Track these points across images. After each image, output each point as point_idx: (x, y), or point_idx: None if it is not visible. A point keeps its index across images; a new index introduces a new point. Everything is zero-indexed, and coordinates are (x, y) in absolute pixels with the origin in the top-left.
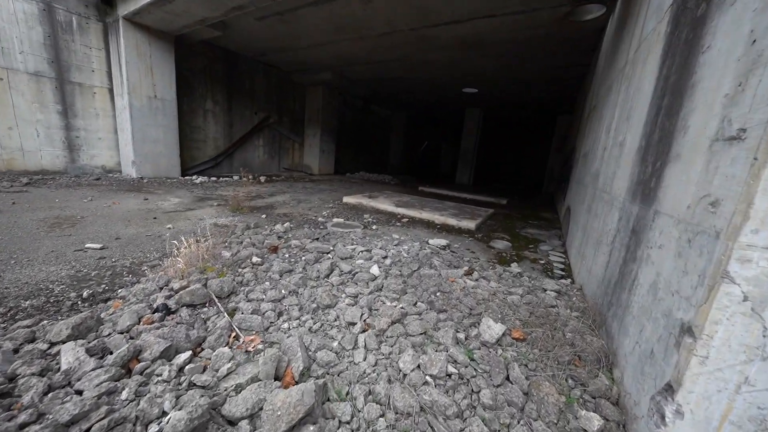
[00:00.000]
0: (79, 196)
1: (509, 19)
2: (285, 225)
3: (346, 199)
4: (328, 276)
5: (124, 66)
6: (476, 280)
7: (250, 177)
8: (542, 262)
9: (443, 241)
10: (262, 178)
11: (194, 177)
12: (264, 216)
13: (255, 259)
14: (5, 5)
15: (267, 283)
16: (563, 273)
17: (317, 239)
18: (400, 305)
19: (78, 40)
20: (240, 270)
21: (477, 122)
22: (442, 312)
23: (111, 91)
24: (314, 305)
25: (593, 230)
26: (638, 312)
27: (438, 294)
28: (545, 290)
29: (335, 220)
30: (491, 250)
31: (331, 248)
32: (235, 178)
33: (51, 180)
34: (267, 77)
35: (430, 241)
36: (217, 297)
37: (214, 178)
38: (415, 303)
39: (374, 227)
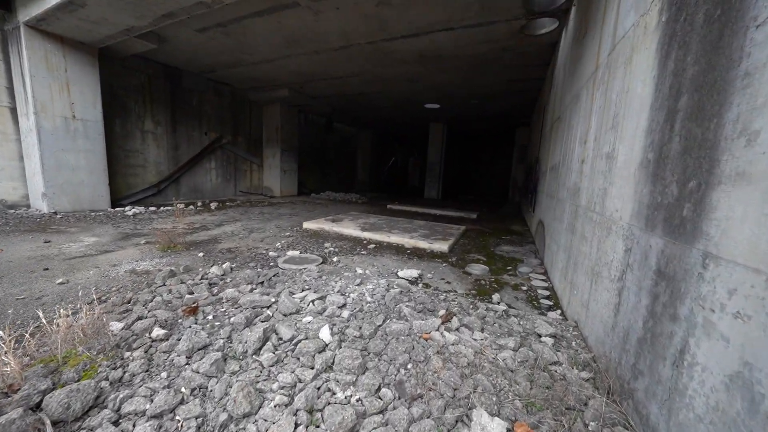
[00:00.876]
0: None
1: (467, 33)
2: (224, 266)
3: (306, 225)
4: (259, 350)
5: (28, 81)
6: (457, 330)
7: (199, 204)
8: (524, 288)
9: (415, 272)
10: (213, 205)
11: (127, 208)
12: (201, 254)
13: (156, 332)
14: None
15: (164, 374)
16: (550, 303)
17: (261, 284)
18: (357, 395)
19: None
20: (127, 355)
21: (441, 136)
22: (416, 400)
23: (14, 110)
24: (224, 416)
25: (582, 255)
26: (704, 409)
27: (410, 366)
28: (540, 336)
29: (290, 253)
30: (468, 278)
31: (273, 300)
32: (180, 206)
33: None
34: (218, 95)
35: (400, 273)
36: (56, 422)
37: (153, 208)
38: (378, 388)
39: (335, 259)
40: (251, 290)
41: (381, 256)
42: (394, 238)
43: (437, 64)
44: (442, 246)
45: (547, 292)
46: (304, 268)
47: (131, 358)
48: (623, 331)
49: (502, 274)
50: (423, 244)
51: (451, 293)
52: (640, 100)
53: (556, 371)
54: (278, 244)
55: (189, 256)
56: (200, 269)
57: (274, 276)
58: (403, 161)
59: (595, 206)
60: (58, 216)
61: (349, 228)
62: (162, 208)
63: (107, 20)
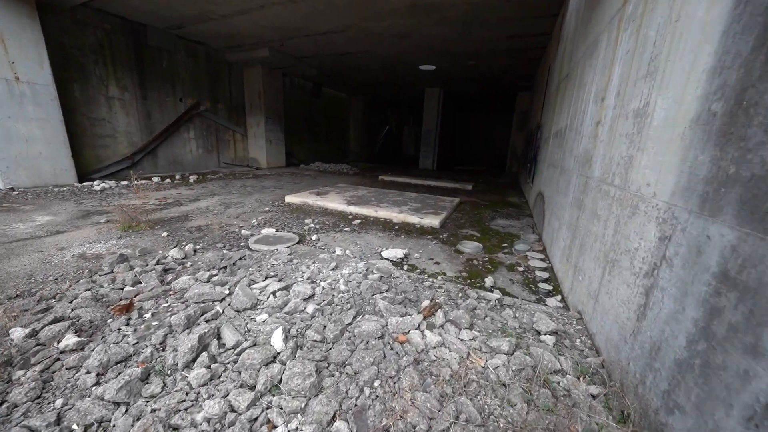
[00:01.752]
0: None
1: None
2: (186, 248)
3: (289, 199)
4: (192, 362)
5: None
6: (441, 327)
7: (177, 177)
8: (521, 269)
9: (400, 252)
10: (192, 178)
11: (96, 183)
12: (166, 234)
13: (67, 340)
14: None
15: (59, 401)
16: (550, 288)
17: (223, 269)
18: (304, 429)
19: None
20: (17, 376)
21: (437, 102)
22: None
23: None
24: None
25: (592, 236)
26: None
27: (377, 384)
28: (539, 334)
29: (264, 231)
30: (459, 257)
31: (227, 292)
32: (155, 180)
33: None
34: (192, 56)
35: (385, 253)
36: None
37: (126, 182)
38: (332, 418)
39: (314, 237)
40: (210, 278)
41: (366, 233)
42: (382, 213)
43: (431, 14)
44: (433, 221)
45: (546, 274)
46: (276, 249)
47: (20, 380)
48: (650, 342)
49: (497, 252)
50: (413, 219)
51: (440, 277)
52: (701, 28)
53: (558, 385)
54: (254, 220)
55: (152, 237)
56: (159, 252)
57: (240, 260)
58: (398, 129)
59: (613, 178)
60: (15, 193)
61: (334, 202)
62: (139, 181)
63: None
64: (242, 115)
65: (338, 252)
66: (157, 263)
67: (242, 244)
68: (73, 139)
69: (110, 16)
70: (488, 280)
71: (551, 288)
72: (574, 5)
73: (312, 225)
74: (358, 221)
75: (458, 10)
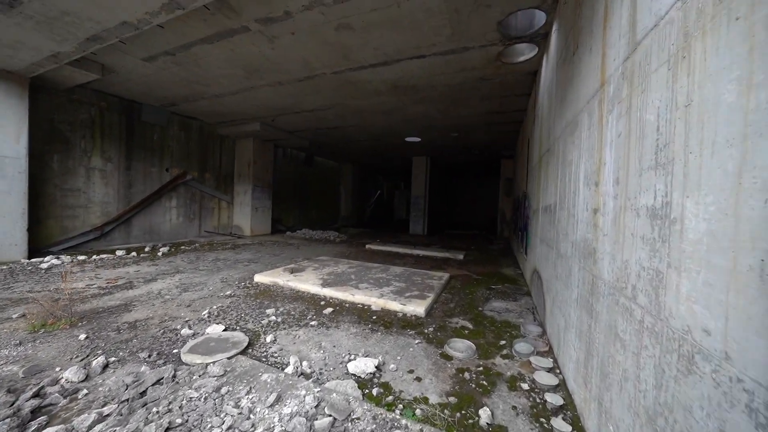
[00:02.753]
0: None
1: (440, 60)
2: (95, 362)
3: (258, 279)
4: None
5: None
6: None
7: (147, 249)
8: (525, 386)
9: (371, 364)
10: (164, 250)
11: (48, 258)
12: (84, 336)
13: None
14: None
15: None
16: (568, 429)
17: (125, 403)
18: None
19: None
20: None
21: (425, 169)
22: None
23: None
24: None
25: (619, 369)
26: None
27: None
28: None
29: (210, 330)
30: (447, 366)
31: None
32: (119, 253)
33: None
34: (185, 129)
35: (351, 366)
36: None
37: (83, 257)
38: None
39: (269, 338)
40: (92, 425)
41: (336, 328)
42: (360, 297)
43: (412, 95)
44: (418, 307)
45: (559, 399)
46: (213, 362)
47: None
48: None
49: (494, 356)
50: (394, 305)
51: (418, 409)
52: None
53: None
54: (206, 311)
55: (64, 341)
56: (57, 370)
57: (154, 385)
58: (389, 194)
59: (635, 293)
60: None
61: (308, 282)
62: (99, 255)
63: (24, 44)
64: (230, 183)
65: (290, 367)
66: (35, 395)
67: (174, 351)
68: (39, 210)
69: (108, 96)
70: (484, 415)
71: (572, 427)
72: (544, 87)
73: (274, 316)
74: (331, 309)
75: (437, 91)
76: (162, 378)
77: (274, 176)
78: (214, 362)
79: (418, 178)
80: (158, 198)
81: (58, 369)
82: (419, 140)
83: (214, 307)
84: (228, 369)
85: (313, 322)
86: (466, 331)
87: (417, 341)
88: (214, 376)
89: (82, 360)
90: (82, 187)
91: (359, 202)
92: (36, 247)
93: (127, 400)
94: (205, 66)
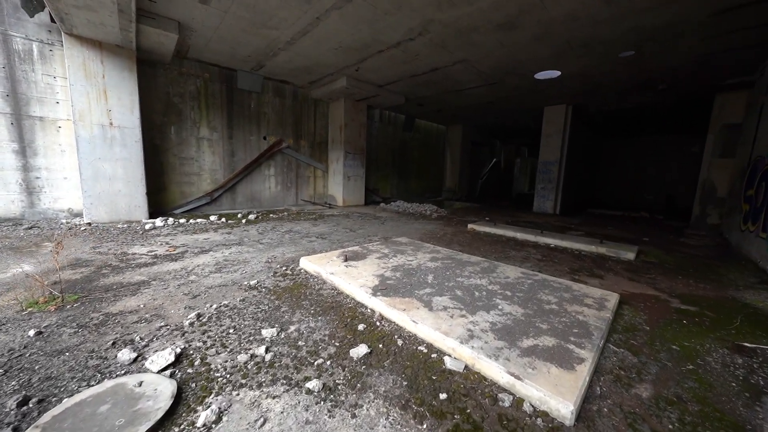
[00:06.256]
0: None
1: None
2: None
3: (304, 263)
4: None
5: (70, 90)
6: None
7: (239, 215)
8: None
9: None
10: (252, 217)
11: (158, 220)
12: (32, 333)
13: None
14: None
15: None
16: None
17: None
18: None
19: (39, 70)
20: None
21: (563, 124)
22: None
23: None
24: None
25: None
26: None
27: None
28: None
29: (152, 360)
30: None
31: None
32: (212, 218)
33: None
34: (279, 95)
35: None
36: None
37: (200, 221)
38: None
39: (209, 413)
40: None
41: (352, 413)
42: (430, 328)
43: None
44: (555, 397)
45: None
46: None
47: None
48: None
49: None
50: (495, 372)
51: None
52: None
53: None
54: (197, 313)
55: (21, 330)
56: None
57: None
58: (506, 162)
59: None
60: (82, 228)
61: (359, 278)
62: (209, 218)
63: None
64: (325, 151)
65: None
66: None
67: (70, 392)
68: (164, 176)
69: (209, 66)
70: None
71: None
72: None
73: (265, 348)
74: (366, 349)
75: None
76: None
77: (369, 142)
78: None
79: (550, 138)
80: (257, 166)
81: None
82: (557, 75)
83: (216, 305)
84: None
85: (314, 384)
86: None
87: None
88: None
89: None
90: (195, 155)
91: (468, 172)
92: (162, 210)
93: None
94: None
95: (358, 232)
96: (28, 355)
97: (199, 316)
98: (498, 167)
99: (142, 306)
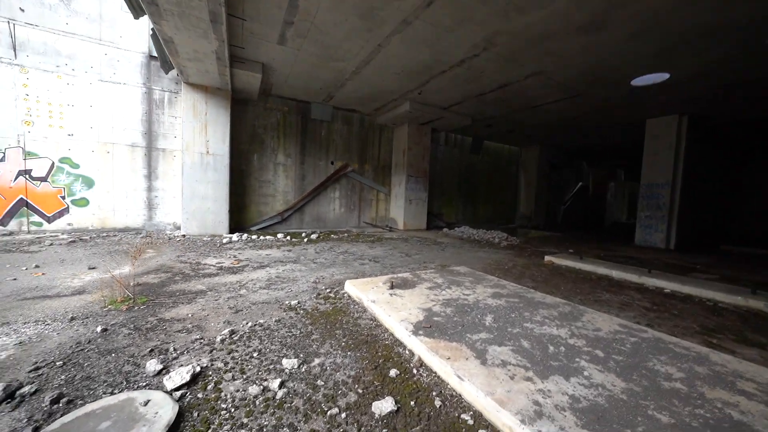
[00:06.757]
0: (42, 259)
1: None
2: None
3: (348, 287)
4: None
5: (182, 126)
6: None
7: (303, 234)
8: None
9: None
10: (314, 236)
11: (234, 236)
12: (100, 329)
13: None
14: (116, 92)
15: None
16: None
17: None
18: None
19: (166, 113)
20: None
21: (674, 139)
22: None
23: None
24: None
25: None
26: None
27: None
28: None
29: (170, 377)
30: None
31: None
32: (279, 236)
33: (114, 235)
34: (347, 123)
35: None
36: None
37: (268, 237)
38: None
39: None
40: None
41: None
42: (477, 389)
43: None
44: None
45: None
46: None
47: None
48: None
49: None
50: None
51: None
52: None
53: None
54: (231, 329)
55: (75, 330)
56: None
57: None
58: (596, 186)
59: None
60: (176, 239)
61: (402, 310)
62: (277, 235)
63: (196, 51)
64: (388, 175)
65: None
66: None
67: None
68: (246, 197)
69: (288, 100)
70: None
71: None
72: None
73: (279, 383)
74: (393, 405)
75: None
76: None
77: (434, 166)
78: None
79: (656, 156)
80: (324, 189)
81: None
82: (664, 78)
83: (252, 324)
84: None
85: None
86: None
87: None
88: None
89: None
90: (271, 179)
91: (547, 198)
92: (241, 226)
93: None
94: (322, 26)
95: (414, 257)
96: (86, 351)
97: (232, 333)
98: (585, 192)
99: (190, 315)
